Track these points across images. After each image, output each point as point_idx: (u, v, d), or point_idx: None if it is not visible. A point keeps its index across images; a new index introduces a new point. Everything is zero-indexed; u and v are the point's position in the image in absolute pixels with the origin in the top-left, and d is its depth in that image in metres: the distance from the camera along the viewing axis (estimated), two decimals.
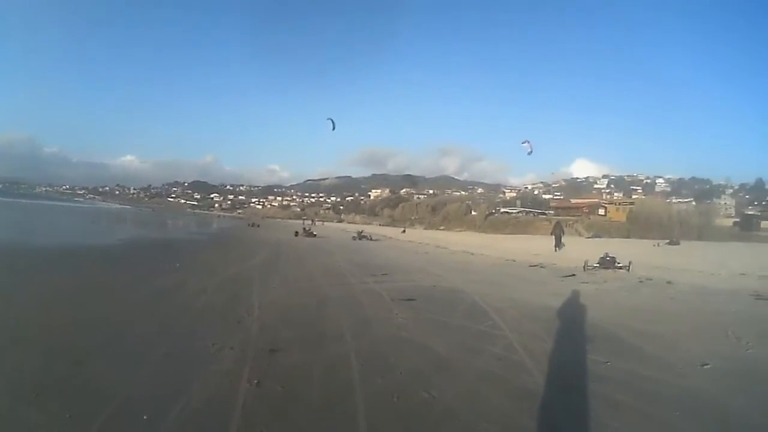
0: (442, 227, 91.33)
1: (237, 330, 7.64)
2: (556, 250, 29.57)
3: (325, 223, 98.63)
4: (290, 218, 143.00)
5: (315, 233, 43.10)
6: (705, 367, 6.44)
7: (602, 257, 18.81)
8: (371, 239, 39.77)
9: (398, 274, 16.10)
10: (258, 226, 65.99)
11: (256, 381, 5.35)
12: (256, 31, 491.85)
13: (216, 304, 9.62)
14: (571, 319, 9.35)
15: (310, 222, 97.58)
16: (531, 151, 33.57)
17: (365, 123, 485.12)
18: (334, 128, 35.37)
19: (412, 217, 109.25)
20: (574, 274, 16.81)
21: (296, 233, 42.29)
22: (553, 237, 32.91)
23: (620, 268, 18.06)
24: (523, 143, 33.83)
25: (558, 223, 39.77)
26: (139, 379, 5.28)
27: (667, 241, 38.55)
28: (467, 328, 8.31)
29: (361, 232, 43.37)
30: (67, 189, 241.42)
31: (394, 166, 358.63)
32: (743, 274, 16.39)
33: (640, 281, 15.28)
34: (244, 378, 5.44)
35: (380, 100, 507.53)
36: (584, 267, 18.24)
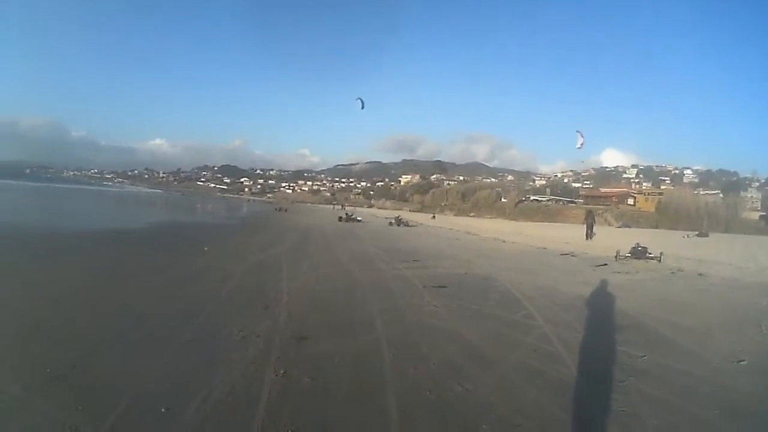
0: (472, 214, 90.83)
1: (264, 316, 7.50)
2: (587, 239, 29.30)
3: (356, 208, 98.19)
4: (320, 203, 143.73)
5: (359, 218, 43.04)
6: (741, 363, 6.17)
7: (634, 247, 18.39)
8: (408, 225, 38.95)
9: (429, 260, 15.83)
10: (286, 210, 65.75)
11: (282, 371, 5.19)
12: (289, 18, 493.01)
13: (243, 290, 9.54)
14: (605, 310, 9.06)
15: (340, 207, 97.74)
16: (581, 145, 32.26)
17: (396, 109, 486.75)
18: (363, 107, 34.96)
19: (443, 204, 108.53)
20: (606, 264, 16.40)
21: (340, 218, 42.36)
22: (585, 225, 32.54)
23: (652, 258, 17.66)
24: (579, 137, 32.37)
25: (590, 211, 39.59)
26: (160, 368, 5.14)
27: (696, 232, 37.93)
28: (500, 318, 8.06)
29: (399, 217, 42.62)
30: (95, 173, 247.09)
31: (423, 152, 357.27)
32: None
33: (672, 272, 14.86)
34: (270, 367, 5.28)
35: (410, 87, 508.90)
36: (616, 256, 17.81)
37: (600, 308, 9.21)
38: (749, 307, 9.97)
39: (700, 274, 14.47)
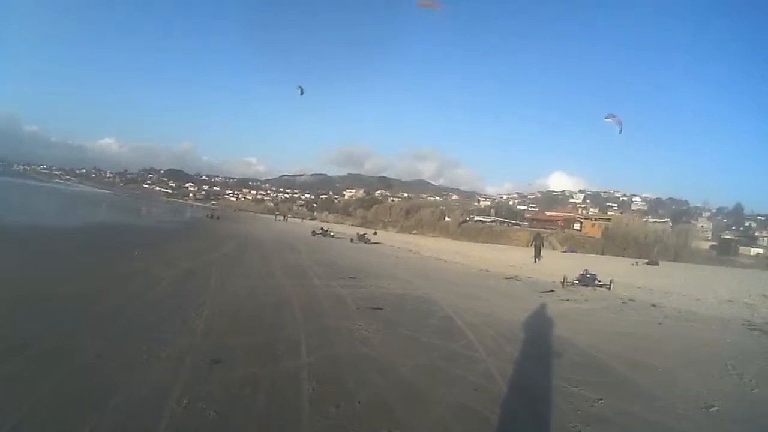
0: (415, 231, 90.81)
1: (179, 333, 6.84)
2: (535, 261, 29.22)
3: (302, 220, 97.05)
4: (263, 212, 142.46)
5: (332, 234, 41.59)
6: (711, 409, 5.63)
7: (582, 274, 18.01)
8: (368, 242, 37.67)
9: (367, 278, 15.16)
10: (218, 218, 60.56)
11: (185, 401, 4.52)
12: (242, 24, 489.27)
13: (165, 300, 8.97)
14: (554, 343, 8.37)
15: (282, 217, 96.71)
16: (621, 129, 31.20)
17: (344, 122, 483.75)
18: (302, 93, 34.84)
19: (385, 220, 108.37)
20: (552, 290, 15.97)
21: (313, 233, 41.29)
22: (533, 248, 32.82)
23: (601, 286, 17.24)
24: (606, 119, 31.19)
25: (538, 234, 40.05)
26: (43, 395, 4.44)
27: (646, 260, 38.11)
28: (439, 347, 7.38)
29: (364, 234, 40.39)
30: (44, 169, 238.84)
31: (370, 166, 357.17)
32: (730, 300, 15.63)
33: (623, 302, 14.42)
34: (172, 396, 4.59)
35: (360, 100, 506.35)
36: (563, 283, 17.40)
37: (548, 341, 8.59)
38: (712, 344, 9.51)
39: (654, 305, 14.04)
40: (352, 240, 37.85)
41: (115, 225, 28.03)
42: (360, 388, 5.27)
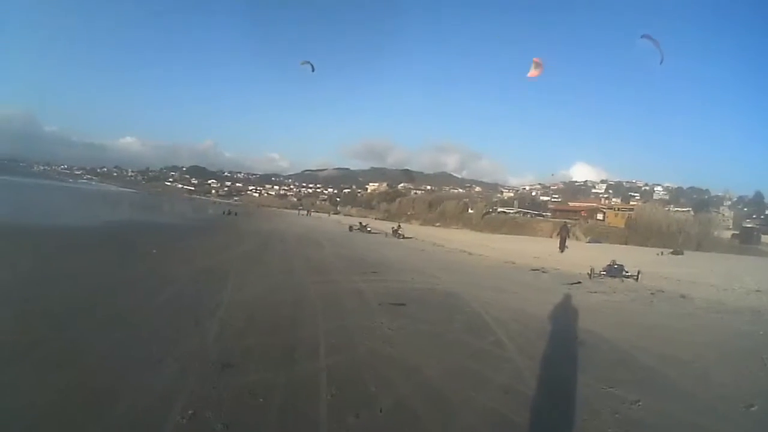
0: (438, 224, 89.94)
1: (191, 334, 6.48)
2: (561, 251, 28.87)
3: (322, 215, 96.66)
4: (286, 207, 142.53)
5: (369, 229, 40.54)
6: (751, 409, 5.19)
7: (609, 265, 17.50)
8: (401, 237, 36.05)
9: (390, 272, 14.76)
10: (236, 214, 57.43)
11: (191, 411, 4.17)
12: (260, 20, 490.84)
13: (179, 300, 8.63)
14: (586, 340, 7.85)
15: (306, 212, 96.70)
16: (662, 59, 29.52)
17: (366, 116, 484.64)
18: (313, 70, 34.29)
19: (409, 213, 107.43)
20: (580, 282, 15.48)
21: (350, 228, 40.63)
22: (559, 238, 32.39)
23: (628, 277, 16.75)
24: (643, 37, 29.43)
25: (564, 225, 39.40)
26: (40, 405, 4.15)
27: (671, 250, 37.23)
28: (466, 345, 6.96)
29: (397, 230, 38.45)
30: (65, 169, 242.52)
31: (393, 160, 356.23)
32: (758, 290, 14.96)
33: (652, 293, 13.90)
34: (177, 406, 4.25)
35: (382, 94, 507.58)
36: (590, 274, 16.90)
37: (579, 336, 8.03)
38: (745, 337, 8.99)
39: (683, 296, 13.50)
40: (386, 235, 37.08)
41: (134, 224, 27.70)
42: (382, 393, 4.85)
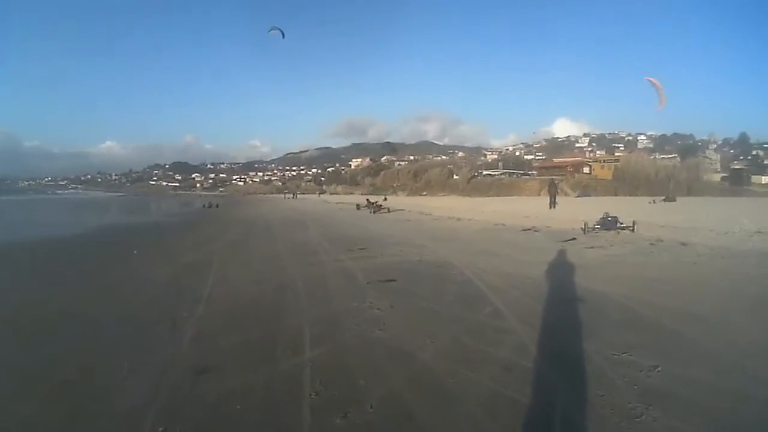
0: (424, 193, 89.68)
1: (167, 338, 6.00)
2: (551, 208, 29.03)
3: (318, 195, 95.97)
4: (272, 193, 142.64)
5: (387, 208, 36.40)
6: None
7: (603, 217, 17.18)
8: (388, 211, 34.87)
9: (377, 247, 14.34)
10: (217, 206, 51.71)
11: (161, 429, 3.68)
12: (228, 8, 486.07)
13: (158, 300, 8.16)
14: (589, 299, 7.41)
15: (292, 195, 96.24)
16: (662, 103, 29.71)
17: (344, 93, 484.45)
18: (283, 36, 33.40)
19: (394, 185, 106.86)
20: (574, 238, 15.15)
21: (358, 207, 38.36)
22: (548, 195, 32.55)
23: (624, 228, 16.44)
24: (647, 79, 29.21)
25: (552, 181, 39.40)
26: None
27: (663, 197, 37.11)
28: (461, 319, 6.47)
29: (375, 203, 37.31)
30: (49, 181, 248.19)
31: (374, 134, 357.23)
32: (759, 231, 14.61)
33: (651, 244, 13.58)
34: (146, 425, 3.78)
35: (358, 69, 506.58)
36: (583, 229, 16.60)
37: (582, 297, 7.58)
38: (759, 283, 8.54)
39: (683, 244, 13.17)
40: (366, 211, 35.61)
41: (117, 227, 27.02)
42: (372, 386, 4.37)
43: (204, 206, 52.14)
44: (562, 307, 7.04)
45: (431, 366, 4.86)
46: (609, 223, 16.73)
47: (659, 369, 4.66)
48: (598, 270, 9.89)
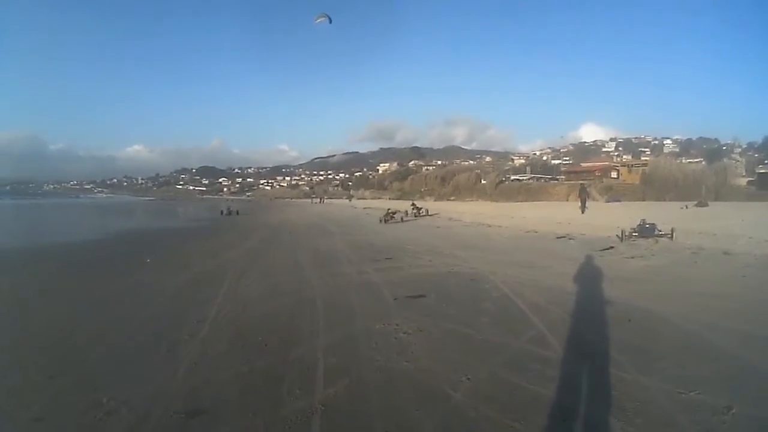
0: (452, 198, 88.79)
1: (160, 368, 5.23)
2: (582, 213, 28.78)
3: (350, 200, 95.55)
4: (299, 197, 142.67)
5: (422, 212, 34.51)
6: None
7: (640, 224, 16.17)
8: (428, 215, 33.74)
9: (405, 257, 13.49)
10: (237, 213, 45.82)
11: None
12: (255, 12, 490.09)
13: (159, 317, 7.48)
14: (641, 320, 6.56)
15: (319, 200, 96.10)
16: None
17: (372, 98, 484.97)
18: (331, 21, 32.53)
19: (422, 189, 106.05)
20: (612, 246, 14.20)
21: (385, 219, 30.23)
22: (579, 200, 32.11)
23: (662, 236, 15.40)
24: None
25: (583, 186, 39.18)
26: None
27: (695, 202, 35.79)
28: (501, 348, 5.60)
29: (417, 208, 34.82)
30: (74, 185, 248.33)
31: (401, 139, 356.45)
32: None
33: (693, 253, 12.55)
34: None
35: (386, 74, 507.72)
36: (621, 237, 15.59)
37: (633, 318, 6.68)
38: None
39: (726, 253, 12.13)
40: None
41: (135, 233, 26.57)
42: None
43: (222, 213, 45.60)
44: (612, 330, 6.12)
45: (467, 413, 3.99)
46: (647, 231, 15.76)
47: (734, 411, 3.85)
48: (643, 284, 9.07)
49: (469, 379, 4.66)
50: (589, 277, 9.77)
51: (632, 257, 12.36)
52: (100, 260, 14.38)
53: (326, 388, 4.54)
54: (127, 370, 5.18)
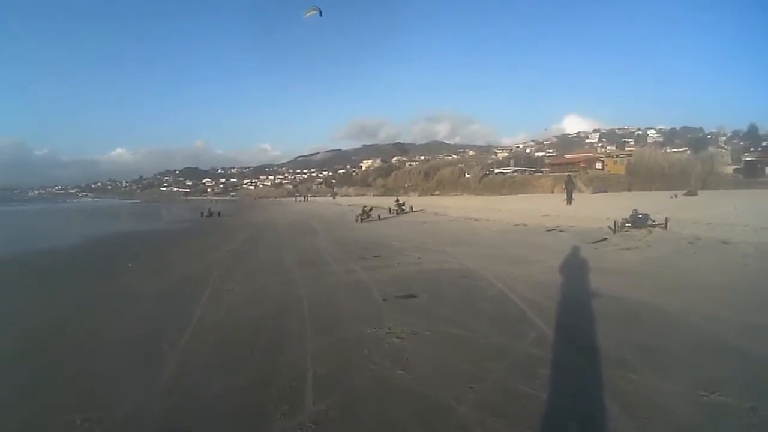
0: (436, 192, 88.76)
1: (135, 383, 4.83)
2: (569, 204, 28.78)
3: (334, 198, 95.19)
4: (283, 196, 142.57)
5: (405, 208, 33.30)
6: None
7: (633, 214, 15.85)
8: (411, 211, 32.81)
9: (393, 254, 13.15)
10: (219, 214, 42.61)
11: None
12: (236, 13, 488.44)
13: (138, 325, 7.08)
14: (649, 317, 6.25)
15: (303, 198, 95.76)
16: None
17: (354, 95, 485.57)
18: (321, 14, 32.13)
19: (406, 185, 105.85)
20: (605, 238, 13.90)
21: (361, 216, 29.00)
22: (565, 191, 32.36)
23: (655, 226, 15.08)
24: None
25: (569, 177, 38.77)
26: None
27: (684, 192, 35.79)
28: (503, 351, 5.20)
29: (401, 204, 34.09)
30: (59, 189, 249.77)
31: (384, 135, 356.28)
32: None
33: (690, 243, 12.24)
34: None
35: (368, 71, 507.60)
36: (614, 228, 15.27)
37: (645, 317, 6.32)
38: None
39: (724, 242, 11.81)
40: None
41: (117, 236, 26.00)
42: None
43: (203, 215, 42.38)
44: (618, 328, 5.79)
45: (469, 425, 3.62)
46: (640, 221, 15.45)
47: (760, 412, 3.55)
48: (644, 277, 8.76)
49: (472, 389, 4.26)
50: (586, 270, 9.46)
51: (627, 248, 12.12)
52: (81, 267, 13.96)
53: (316, 402, 4.16)
54: (103, 387, 4.77)
